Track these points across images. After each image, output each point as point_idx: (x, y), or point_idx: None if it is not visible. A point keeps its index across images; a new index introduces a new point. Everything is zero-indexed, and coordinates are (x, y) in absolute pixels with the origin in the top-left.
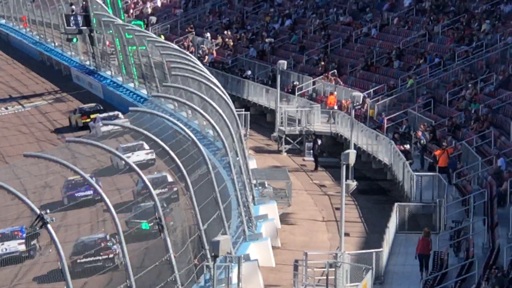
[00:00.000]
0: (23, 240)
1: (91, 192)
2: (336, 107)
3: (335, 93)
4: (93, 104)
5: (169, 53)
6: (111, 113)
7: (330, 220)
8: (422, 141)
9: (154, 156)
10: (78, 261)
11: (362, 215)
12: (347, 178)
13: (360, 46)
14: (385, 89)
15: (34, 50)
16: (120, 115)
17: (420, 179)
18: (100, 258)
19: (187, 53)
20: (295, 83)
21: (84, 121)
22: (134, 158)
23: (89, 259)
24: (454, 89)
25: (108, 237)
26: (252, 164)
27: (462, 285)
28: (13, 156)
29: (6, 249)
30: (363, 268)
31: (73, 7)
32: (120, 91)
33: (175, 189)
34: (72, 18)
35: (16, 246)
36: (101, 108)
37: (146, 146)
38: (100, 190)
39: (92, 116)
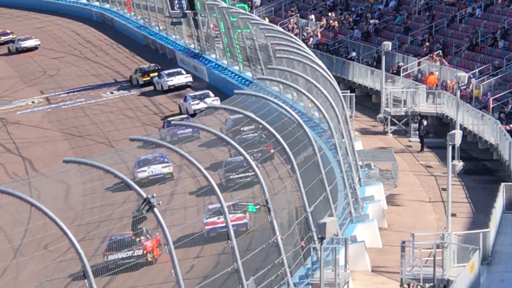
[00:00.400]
0: (166, 164)
1: None
2: (436, 87)
3: (436, 72)
4: (152, 64)
5: (273, 35)
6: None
7: (437, 201)
8: None
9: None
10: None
11: (468, 195)
12: (453, 158)
13: (465, 26)
14: (490, 69)
15: (139, 34)
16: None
17: None
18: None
19: (292, 35)
20: (400, 64)
21: (144, 79)
22: (152, 171)
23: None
24: None
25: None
26: (358, 145)
27: None
28: (119, 140)
29: (152, 172)
30: (470, 249)
31: None
32: (225, 74)
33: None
34: (176, 1)
35: (160, 169)
36: (159, 67)
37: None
38: (204, 171)
39: (151, 74)
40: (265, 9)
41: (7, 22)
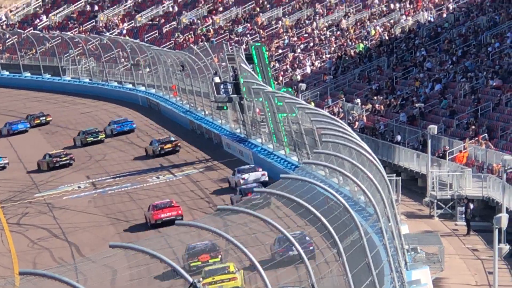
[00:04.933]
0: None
1: None
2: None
3: (467, 150)
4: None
5: (319, 119)
6: (247, 166)
7: (483, 284)
8: None
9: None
10: None
11: None
12: (499, 242)
13: (510, 110)
14: None
15: (185, 119)
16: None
17: None
18: None
19: (337, 119)
20: (445, 147)
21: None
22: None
23: None
24: None
25: None
26: (404, 229)
27: None
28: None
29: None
30: None
31: (218, 74)
32: (271, 159)
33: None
34: (222, 86)
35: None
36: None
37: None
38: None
39: (167, 146)
40: (310, 93)
41: (54, 108)
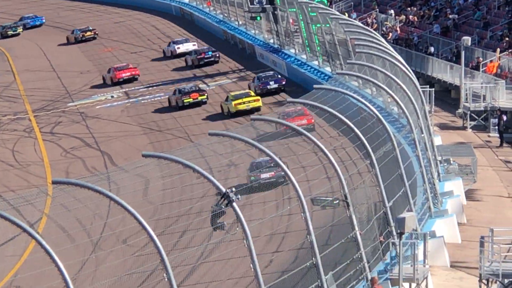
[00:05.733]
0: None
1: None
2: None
3: (498, 60)
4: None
5: (352, 30)
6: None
7: None
8: None
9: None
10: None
11: None
12: None
13: None
14: None
15: (218, 28)
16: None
17: None
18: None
19: (371, 30)
20: (479, 59)
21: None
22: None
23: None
24: None
25: None
26: (437, 140)
27: None
28: (197, 135)
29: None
30: None
31: None
32: (304, 69)
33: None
34: None
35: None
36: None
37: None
38: (287, 170)
39: (191, 95)
40: (344, 4)
41: (87, 17)
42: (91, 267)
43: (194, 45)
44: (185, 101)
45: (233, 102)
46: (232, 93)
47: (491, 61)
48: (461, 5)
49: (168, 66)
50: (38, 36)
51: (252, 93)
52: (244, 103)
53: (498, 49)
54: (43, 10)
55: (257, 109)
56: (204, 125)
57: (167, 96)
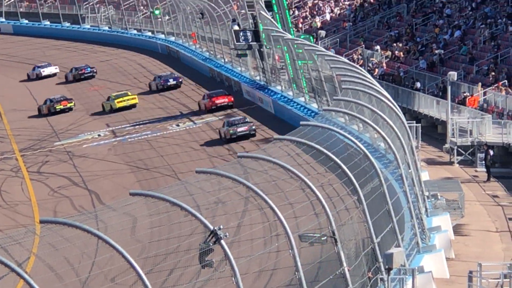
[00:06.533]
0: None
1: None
2: (476, 108)
3: (478, 94)
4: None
5: (339, 66)
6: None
7: (504, 230)
8: None
9: None
10: None
11: None
12: None
13: None
14: None
15: (204, 66)
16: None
17: None
18: None
19: (357, 66)
20: (465, 94)
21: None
22: None
23: None
24: None
25: None
26: (425, 176)
27: None
28: (185, 172)
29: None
30: None
31: (237, 22)
32: (290, 106)
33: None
34: (241, 33)
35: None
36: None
37: None
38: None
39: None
40: (330, 40)
41: (74, 56)
42: None
43: (93, 71)
44: (57, 107)
45: (115, 101)
46: (113, 94)
47: (472, 95)
48: (447, 40)
49: (155, 104)
50: (25, 76)
51: (130, 93)
52: (124, 101)
53: (480, 83)
54: (29, 49)
55: (133, 105)
56: (191, 163)
57: (154, 134)
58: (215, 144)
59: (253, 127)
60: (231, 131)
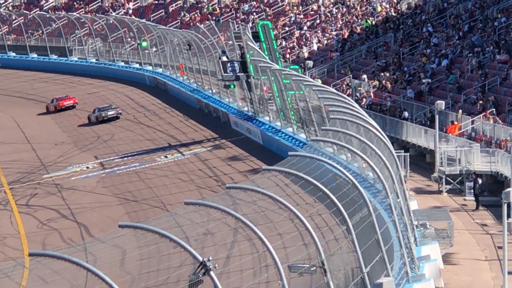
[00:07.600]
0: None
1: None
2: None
3: (458, 122)
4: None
5: (326, 96)
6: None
7: (493, 259)
8: None
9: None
10: None
11: None
12: (508, 216)
13: None
14: None
15: (192, 97)
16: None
17: None
18: None
19: (345, 96)
20: (454, 123)
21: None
22: None
23: None
24: None
25: None
26: (413, 205)
27: None
28: (173, 204)
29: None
30: None
31: (225, 53)
32: (279, 136)
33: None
34: (229, 64)
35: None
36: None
37: None
38: (261, 234)
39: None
40: (317, 70)
41: (61, 88)
42: None
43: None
44: (104, 115)
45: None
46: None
47: (452, 122)
48: (434, 69)
49: (143, 136)
50: (12, 109)
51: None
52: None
53: (460, 111)
54: (17, 82)
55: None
56: (179, 194)
57: (143, 166)
58: (203, 176)
59: (120, 111)
60: (103, 115)
